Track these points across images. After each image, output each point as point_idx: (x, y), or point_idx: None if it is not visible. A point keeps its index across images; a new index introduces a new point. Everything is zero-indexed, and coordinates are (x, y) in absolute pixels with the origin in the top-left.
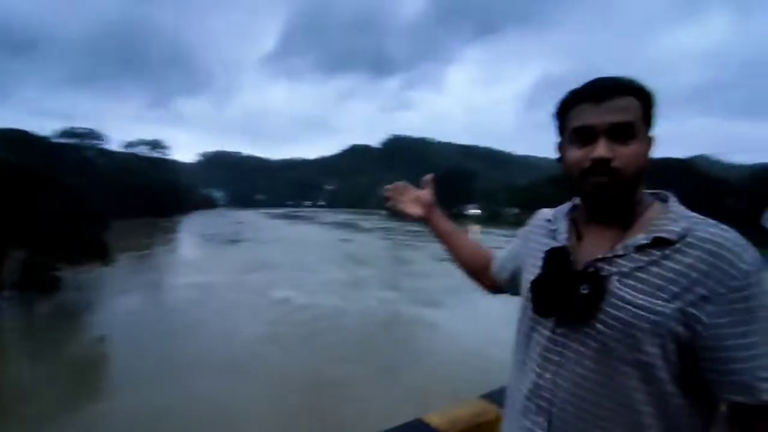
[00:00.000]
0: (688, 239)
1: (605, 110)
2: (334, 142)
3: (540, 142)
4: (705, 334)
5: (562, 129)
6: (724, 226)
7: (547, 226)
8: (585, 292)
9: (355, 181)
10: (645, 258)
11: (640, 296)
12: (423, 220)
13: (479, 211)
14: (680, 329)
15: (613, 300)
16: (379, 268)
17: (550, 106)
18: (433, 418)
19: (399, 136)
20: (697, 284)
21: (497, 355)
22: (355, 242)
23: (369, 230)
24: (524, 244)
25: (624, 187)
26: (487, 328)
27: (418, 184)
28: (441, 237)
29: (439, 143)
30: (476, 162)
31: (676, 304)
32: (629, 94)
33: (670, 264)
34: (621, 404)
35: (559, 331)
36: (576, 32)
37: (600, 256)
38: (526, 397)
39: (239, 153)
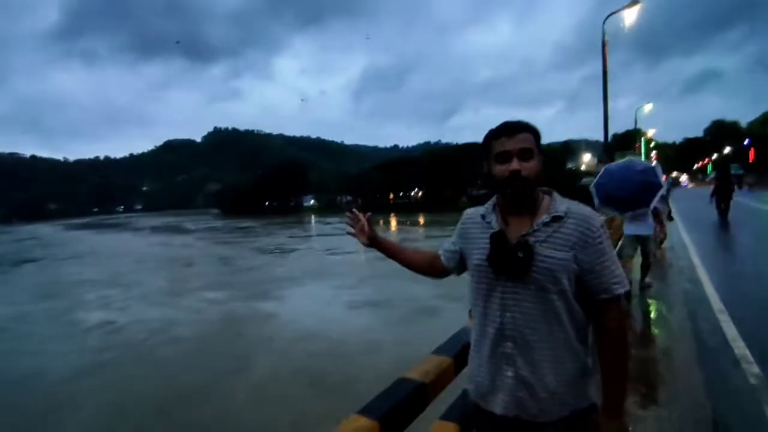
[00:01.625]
0: (569, 215)
1: (515, 141)
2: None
3: (367, 131)
4: (584, 266)
5: (487, 154)
6: (582, 205)
7: (482, 221)
8: (521, 255)
9: (177, 180)
10: (549, 229)
11: (554, 251)
12: (371, 247)
13: (315, 202)
14: (574, 266)
15: (540, 257)
16: (203, 268)
17: (376, 97)
18: (412, 374)
19: (223, 129)
20: (578, 239)
21: (327, 332)
22: (174, 246)
23: (192, 232)
24: (464, 237)
25: (530, 187)
26: (316, 311)
27: (247, 179)
28: (390, 257)
29: (269, 135)
30: (309, 153)
31: (571, 253)
32: (527, 131)
33: (564, 230)
34: (554, 320)
35: (510, 284)
36: (394, 27)
37: (524, 232)
38: (495, 334)
39: (17, 154)
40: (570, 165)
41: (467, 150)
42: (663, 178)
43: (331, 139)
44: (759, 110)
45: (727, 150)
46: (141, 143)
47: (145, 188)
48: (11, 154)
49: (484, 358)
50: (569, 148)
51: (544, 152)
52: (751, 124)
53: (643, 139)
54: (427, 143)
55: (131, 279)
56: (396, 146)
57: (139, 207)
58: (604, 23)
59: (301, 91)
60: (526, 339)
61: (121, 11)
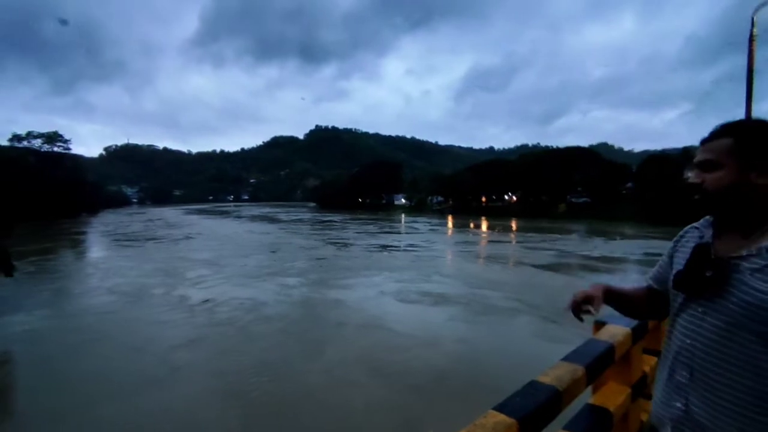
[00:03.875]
0: None
1: (703, 150)
2: (258, 134)
3: (463, 132)
4: None
5: None
6: None
7: (697, 233)
8: (709, 275)
9: (279, 174)
10: None
11: (766, 286)
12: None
13: (406, 201)
14: None
15: (744, 287)
16: (287, 254)
17: (477, 98)
18: (545, 378)
19: (323, 127)
20: None
21: (390, 324)
22: (271, 234)
23: (286, 222)
24: (674, 253)
25: (714, 203)
26: (380, 302)
27: (343, 175)
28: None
29: (366, 134)
30: (401, 152)
31: None
32: (726, 135)
33: None
34: (747, 364)
35: (700, 308)
36: (503, 27)
37: (735, 254)
38: (673, 359)
39: (153, 146)
40: (689, 174)
41: (569, 154)
42: None
43: (425, 139)
44: None
45: None
46: (251, 139)
47: (252, 180)
48: (149, 146)
49: (662, 382)
50: (689, 156)
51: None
52: None
53: None
54: (525, 146)
55: (229, 261)
56: (492, 148)
57: (246, 197)
58: (754, 14)
59: (404, 92)
60: (705, 375)
61: (250, 16)
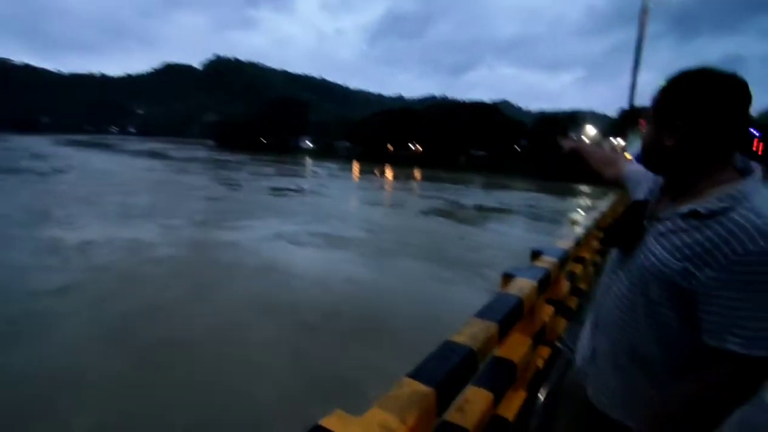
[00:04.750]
0: (721, 217)
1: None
2: (147, 58)
3: (374, 77)
4: (702, 290)
5: None
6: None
7: (653, 185)
8: (626, 233)
9: (173, 107)
10: (683, 224)
11: (661, 252)
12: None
13: (312, 144)
14: (681, 281)
15: (646, 251)
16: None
17: (391, 43)
18: (460, 338)
19: (225, 57)
20: (706, 253)
21: (283, 265)
22: (157, 171)
23: (177, 160)
24: (644, 180)
25: (650, 162)
26: (274, 245)
27: (245, 112)
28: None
29: (272, 70)
30: (310, 93)
31: (683, 264)
32: (661, 91)
33: (695, 233)
34: (632, 324)
35: (617, 262)
36: None
37: (660, 215)
38: (592, 309)
39: (8, 60)
40: (573, 135)
41: (473, 109)
42: None
43: (335, 81)
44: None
45: None
46: (138, 63)
47: (140, 111)
48: (2, 60)
49: (585, 329)
50: (575, 119)
51: (696, 114)
52: (760, 114)
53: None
54: (432, 96)
55: (103, 199)
56: (401, 96)
57: (133, 130)
58: None
59: (317, 28)
60: (605, 326)
61: None
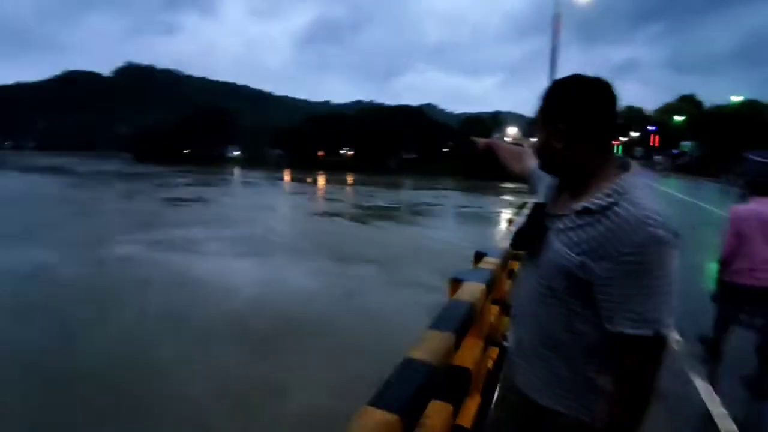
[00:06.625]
0: (608, 212)
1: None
2: (43, 65)
3: (300, 83)
4: (597, 280)
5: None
6: (645, 207)
7: (552, 184)
8: (531, 233)
9: (79, 118)
10: (578, 221)
11: (561, 247)
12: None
13: (240, 153)
14: (580, 273)
15: (550, 246)
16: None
17: (319, 49)
18: (419, 354)
19: (137, 64)
20: (600, 246)
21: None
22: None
23: (82, 175)
24: (546, 176)
25: (546, 165)
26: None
27: (163, 122)
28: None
29: (191, 77)
30: (234, 101)
31: (581, 258)
32: (543, 98)
33: (589, 229)
34: (544, 315)
35: (527, 261)
36: None
37: (558, 213)
38: (515, 302)
39: None
40: (496, 136)
41: (401, 112)
42: None
43: (262, 88)
44: (661, 101)
45: (633, 134)
46: (32, 71)
47: (39, 124)
48: None
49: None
50: (498, 120)
51: (577, 118)
52: (655, 112)
53: None
54: (360, 102)
55: None
56: (328, 102)
57: (33, 145)
58: None
59: (244, 34)
60: (522, 319)
61: None
